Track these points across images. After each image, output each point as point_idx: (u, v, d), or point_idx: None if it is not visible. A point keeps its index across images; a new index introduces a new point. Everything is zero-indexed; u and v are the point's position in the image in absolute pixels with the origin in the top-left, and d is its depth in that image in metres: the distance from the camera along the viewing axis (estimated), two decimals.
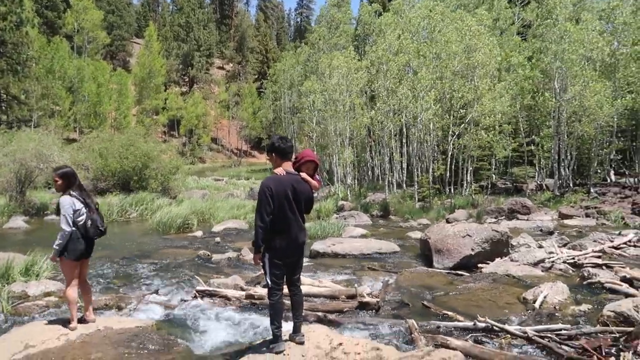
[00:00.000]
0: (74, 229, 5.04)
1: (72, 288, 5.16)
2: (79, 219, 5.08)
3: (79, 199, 5.16)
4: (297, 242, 4.41)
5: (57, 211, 5.16)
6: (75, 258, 5.08)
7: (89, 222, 5.14)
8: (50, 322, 5.39)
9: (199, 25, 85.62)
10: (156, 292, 7.48)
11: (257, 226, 4.31)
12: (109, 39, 70.74)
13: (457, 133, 22.32)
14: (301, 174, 4.54)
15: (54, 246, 4.96)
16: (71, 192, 5.13)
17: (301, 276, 4.78)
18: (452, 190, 23.01)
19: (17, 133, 21.46)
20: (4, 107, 33.94)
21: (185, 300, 6.99)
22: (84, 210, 5.16)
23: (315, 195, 4.73)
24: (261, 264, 4.48)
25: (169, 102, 70.01)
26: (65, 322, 5.32)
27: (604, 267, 8.91)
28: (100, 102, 53.78)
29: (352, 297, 6.82)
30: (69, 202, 5.04)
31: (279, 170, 4.46)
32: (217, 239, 12.64)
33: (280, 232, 4.33)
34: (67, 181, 5.18)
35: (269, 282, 4.44)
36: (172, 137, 71.87)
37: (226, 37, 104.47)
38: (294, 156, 4.74)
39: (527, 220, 17.19)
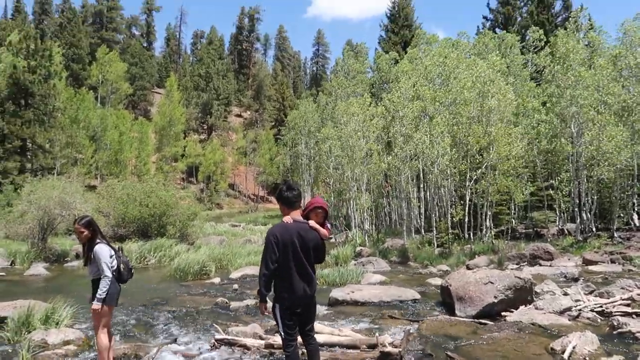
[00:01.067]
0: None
1: (104, 335, 5.18)
2: (113, 264, 5.17)
3: (109, 245, 5.27)
4: (304, 292, 4.31)
5: (86, 261, 5.23)
6: (114, 303, 5.17)
7: (122, 266, 5.24)
8: None
9: (218, 75, 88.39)
10: (175, 340, 7.41)
11: (260, 274, 4.29)
12: (131, 89, 73.38)
13: (474, 178, 22.22)
14: (309, 222, 4.48)
15: (98, 295, 5.00)
16: (103, 241, 5.24)
17: (321, 324, 4.72)
18: (472, 235, 22.65)
19: (41, 181, 22.01)
20: (29, 156, 34.94)
21: (204, 350, 6.90)
22: (114, 255, 5.26)
23: (331, 239, 4.73)
24: (270, 314, 4.41)
25: (187, 150, 71.37)
26: None
27: (634, 316, 8.60)
28: (121, 149, 55.16)
29: (373, 346, 6.67)
30: (107, 250, 5.15)
31: (287, 219, 4.43)
32: (235, 286, 12.56)
33: (286, 282, 4.28)
34: (93, 230, 5.28)
35: (282, 334, 4.38)
36: (191, 184, 72.75)
37: (244, 86, 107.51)
38: (304, 204, 4.74)
39: (550, 266, 16.78)
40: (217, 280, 13.73)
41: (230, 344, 6.94)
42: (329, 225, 4.68)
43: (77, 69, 64.98)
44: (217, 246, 19.56)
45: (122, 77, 67.23)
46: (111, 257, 5.19)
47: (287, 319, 4.35)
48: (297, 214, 4.49)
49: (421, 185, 25.60)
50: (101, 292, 4.98)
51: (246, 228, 37.47)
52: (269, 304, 4.46)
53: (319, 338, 5.95)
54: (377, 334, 6.91)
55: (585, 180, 23.64)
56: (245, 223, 44.13)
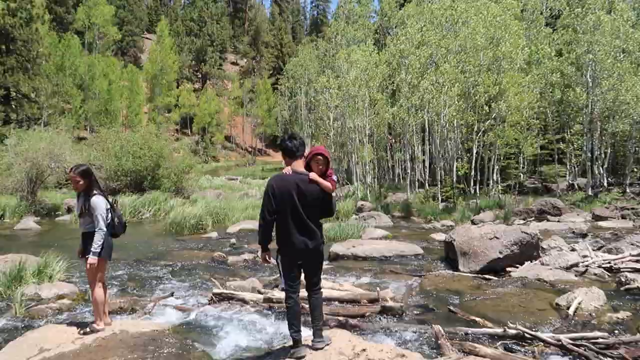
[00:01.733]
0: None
1: (99, 288, 5.27)
2: (108, 217, 5.19)
3: (106, 197, 5.27)
4: (305, 246, 4.34)
5: (81, 212, 5.23)
6: (109, 257, 5.23)
7: (116, 220, 5.26)
8: (65, 325, 5.48)
9: (212, 19, 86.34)
10: (171, 295, 7.55)
11: (259, 224, 4.41)
12: (119, 34, 71.60)
13: (482, 130, 22.06)
14: (310, 174, 4.45)
15: (94, 249, 5.03)
16: (100, 192, 5.23)
17: (322, 280, 4.77)
18: (478, 190, 22.77)
19: (27, 132, 21.89)
20: (14, 106, 34.58)
21: (201, 304, 7.05)
22: (109, 209, 5.27)
23: (334, 196, 4.66)
24: (270, 263, 4.47)
25: (181, 100, 70.03)
26: (80, 325, 5.40)
27: None
28: (111, 99, 54.44)
29: (374, 301, 6.80)
30: (104, 202, 5.15)
31: (287, 169, 4.45)
32: (233, 240, 12.71)
33: (285, 234, 4.35)
34: (89, 179, 5.24)
35: (284, 285, 4.46)
36: (185, 135, 70.88)
37: (240, 32, 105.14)
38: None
39: (558, 222, 16.95)
40: (214, 234, 13.89)
41: (228, 298, 7.08)
42: (334, 178, 4.61)
43: (61, 12, 63.23)
44: (213, 200, 19.68)
45: (110, 21, 65.30)
46: (107, 210, 5.19)
47: (289, 270, 4.43)
48: (299, 165, 4.47)
49: (426, 138, 25.50)
50: (96, 245, 5.01)
51: (243, 182, 37.64)
52: (274, 256, 4.50)
53: None
54: (378, 289, 7.03)
55: (599, 133, 23.50)
56: (243, 177, 44.27)
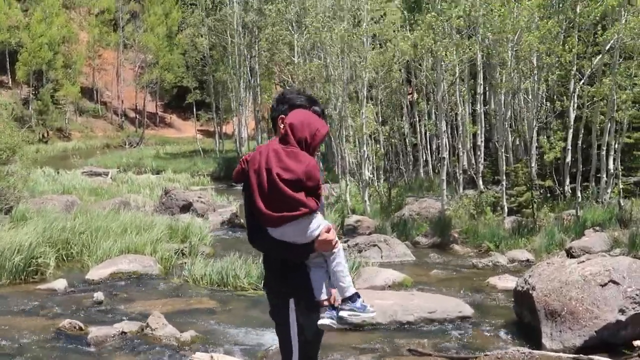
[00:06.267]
0: None
1: None
2: None
3: None
4: (275, 279, 2.91)
5: None
6: None
7: None
8: None
9: None
10: None
11: None
12: None
13: (586, 74, 13.25)
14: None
15: None
16: None
17: None
18: (578, 191, 13.51)
19: None
20: None
21: None
22: None
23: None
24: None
25: None
26: None
27: None
28: None
29: None
30: None
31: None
32: (98, 295, 8.06)
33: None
34: None
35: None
36: (1, 88, 45.33)
37: None
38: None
39: None
40: (60, 284, 8.91)
41: None
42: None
43: None
44: (59, 216, 12.60)
45: None
46: None
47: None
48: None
49: (478, 91, 15.45)
50: None
51: (119, 179, 23.98)
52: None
53: None
54: None
55: None
56: (118, 169, 27.68)
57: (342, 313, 2.76)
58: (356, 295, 2.76)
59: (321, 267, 2.77)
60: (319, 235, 2.69)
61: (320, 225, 2.70)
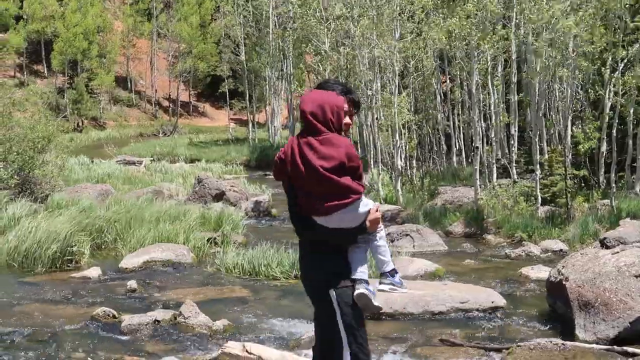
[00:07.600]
0: None
1: None
2: None
3: None
4: (306, 270, 2.93)
5: None
6: None
7: None
8: None
9: None
10: None
11: None
12: None
13: (623, 62, 13.15)
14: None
15: None
16: None
17: None
18: (613, 181, 13.41)
19: None
20: None
21: None
22: None
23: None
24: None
25: (27, 8, 42.73)
26: None
27: None
28: None
29: None
30: None
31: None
32: (131, 284, 8.07)
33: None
34: None
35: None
36: (37, 77, 45.61)
37: None
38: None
39: None
40: (94, 272, 8.86)
41: None
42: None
43: None
44: (94, 205, 12.51)
45: None
46: None
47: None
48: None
49: (513, 79, 14.97)
50: None
51: (152, 168, 24.20)
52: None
53: None
54: None
55: None
56: (152, 157, 28.05)
57: (382, 286, 2.84)
58: (394, 271, 2.84)
59: (359, 247, 2.80)
60: (367, 216, 2.73)
61: (367, 205, 2.73)
